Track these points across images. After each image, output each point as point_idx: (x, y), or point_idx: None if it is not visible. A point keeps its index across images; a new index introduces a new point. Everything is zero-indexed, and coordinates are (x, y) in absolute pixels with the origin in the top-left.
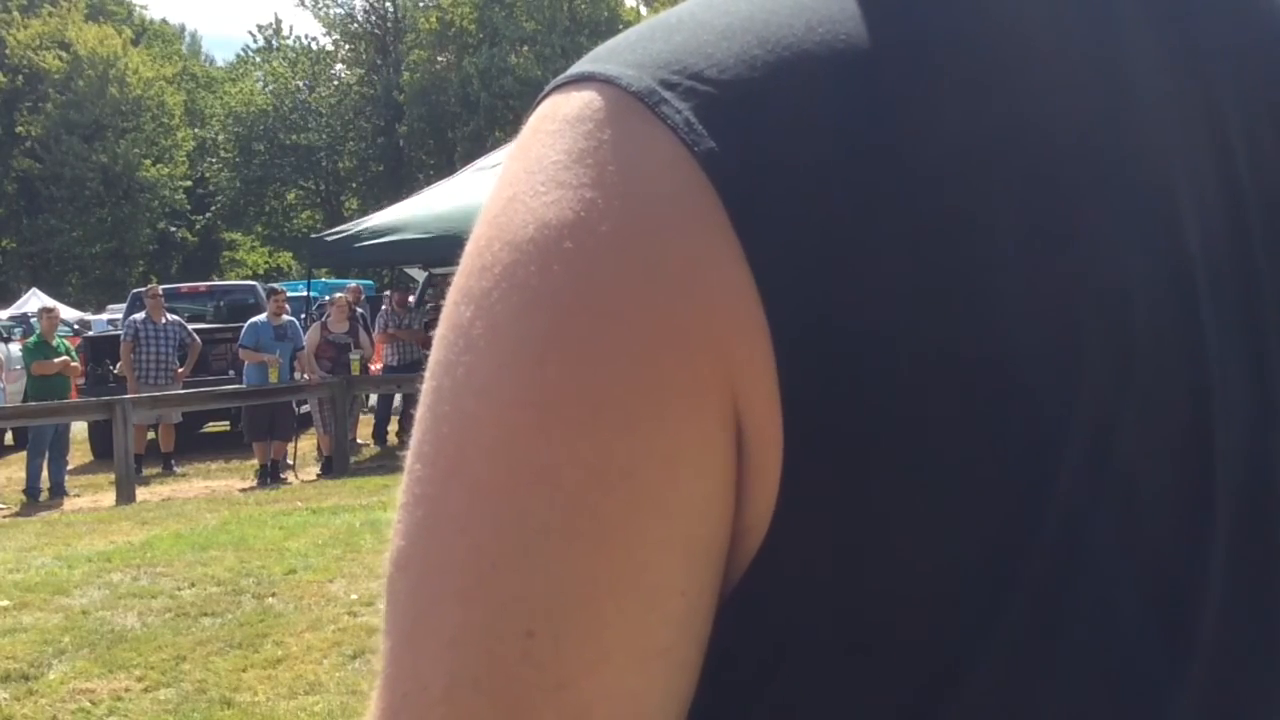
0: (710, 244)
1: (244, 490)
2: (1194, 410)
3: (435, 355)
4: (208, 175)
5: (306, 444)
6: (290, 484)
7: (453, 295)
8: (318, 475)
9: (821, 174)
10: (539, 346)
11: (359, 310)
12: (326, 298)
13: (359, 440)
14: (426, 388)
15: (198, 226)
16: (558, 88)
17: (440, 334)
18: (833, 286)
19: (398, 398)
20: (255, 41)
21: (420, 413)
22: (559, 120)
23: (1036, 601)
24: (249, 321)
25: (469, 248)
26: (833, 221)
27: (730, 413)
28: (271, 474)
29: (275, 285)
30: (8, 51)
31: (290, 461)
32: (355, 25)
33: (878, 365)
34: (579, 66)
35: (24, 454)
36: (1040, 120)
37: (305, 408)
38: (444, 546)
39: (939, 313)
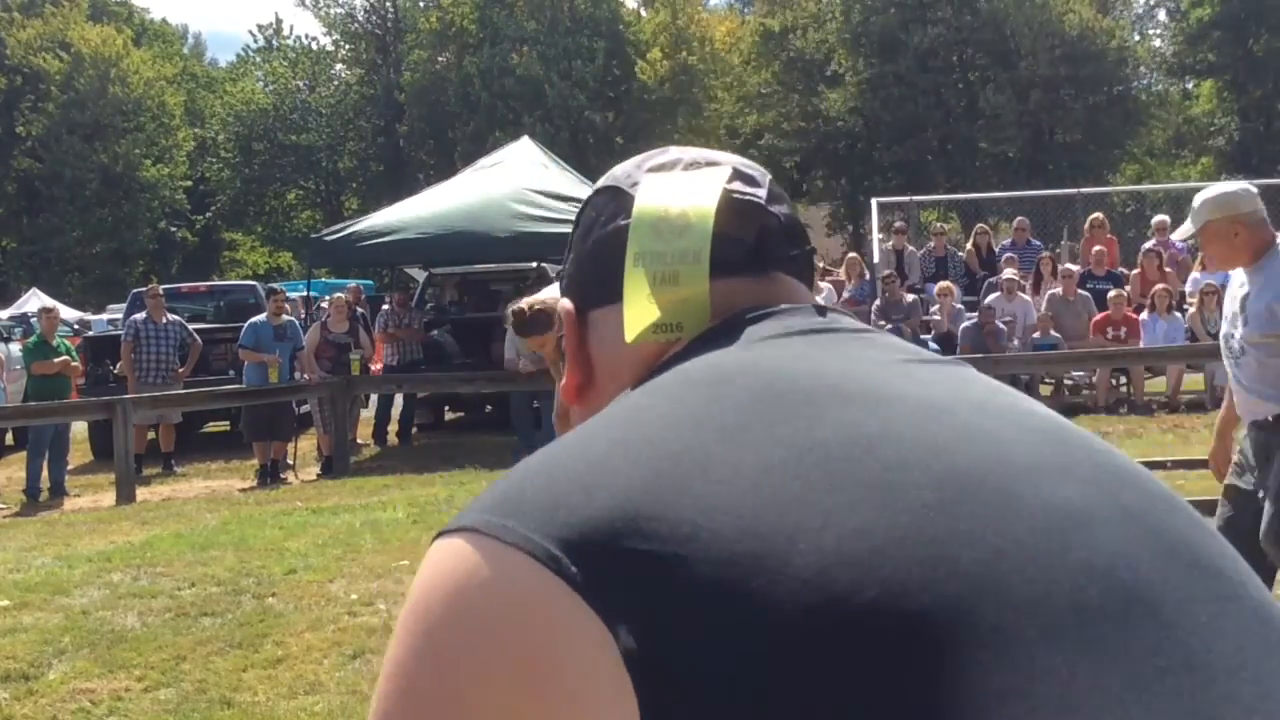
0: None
1: (244, 490)
2: None
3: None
4: (208, 175)
5: (306, 444)
6: (290, 484)
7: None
8: (318, 475)
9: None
10: None
11: (359, 310)
12: (324, 297)
13: (359, 440)
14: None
15: (198, 226)
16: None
17: None
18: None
19: (398, 398)
20: (255, 41)
21: None
22: (425, 568)
23: None
24: (249, 321)
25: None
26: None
27: None
28: (271, 474)
29: (275, 285)
30: (8, 52)
31: (290, 461)
32: (355, 25)
33: None
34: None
35: (24, 454)
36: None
37: (305, 408)
38: None
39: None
